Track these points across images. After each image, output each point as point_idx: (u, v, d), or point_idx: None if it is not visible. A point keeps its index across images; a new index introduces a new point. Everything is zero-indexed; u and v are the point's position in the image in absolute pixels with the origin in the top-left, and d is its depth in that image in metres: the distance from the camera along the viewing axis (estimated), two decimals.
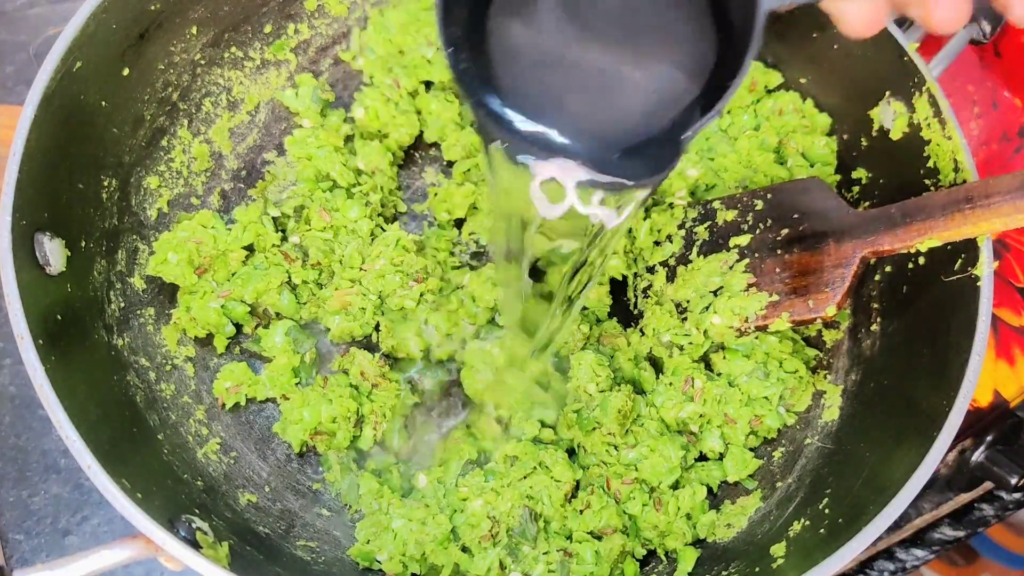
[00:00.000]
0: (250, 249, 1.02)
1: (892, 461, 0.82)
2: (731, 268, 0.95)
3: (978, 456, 1.06)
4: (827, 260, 0.90)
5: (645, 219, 1.05)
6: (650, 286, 1.03)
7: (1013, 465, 1.03)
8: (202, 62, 1.06)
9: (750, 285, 0.94)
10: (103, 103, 0.91)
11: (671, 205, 1.05)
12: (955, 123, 0.90)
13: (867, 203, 1.06)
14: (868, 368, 0.99)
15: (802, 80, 1.11)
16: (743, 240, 0.97)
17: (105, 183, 0.94)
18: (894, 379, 0.94)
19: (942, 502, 1.12)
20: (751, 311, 0.93)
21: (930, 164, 0.94)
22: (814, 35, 1.05)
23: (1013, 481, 1.02)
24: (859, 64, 1.01)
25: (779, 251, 0.93)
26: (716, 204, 1.02)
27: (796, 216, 0.94)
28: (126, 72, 0.94)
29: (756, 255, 0.95)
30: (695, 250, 1.00)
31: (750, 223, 0.97)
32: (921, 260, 0.96)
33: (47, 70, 0.82)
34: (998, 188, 0.79)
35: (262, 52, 1.12)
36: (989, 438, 1.07)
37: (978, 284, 0.84)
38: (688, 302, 0.97)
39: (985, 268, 0.84)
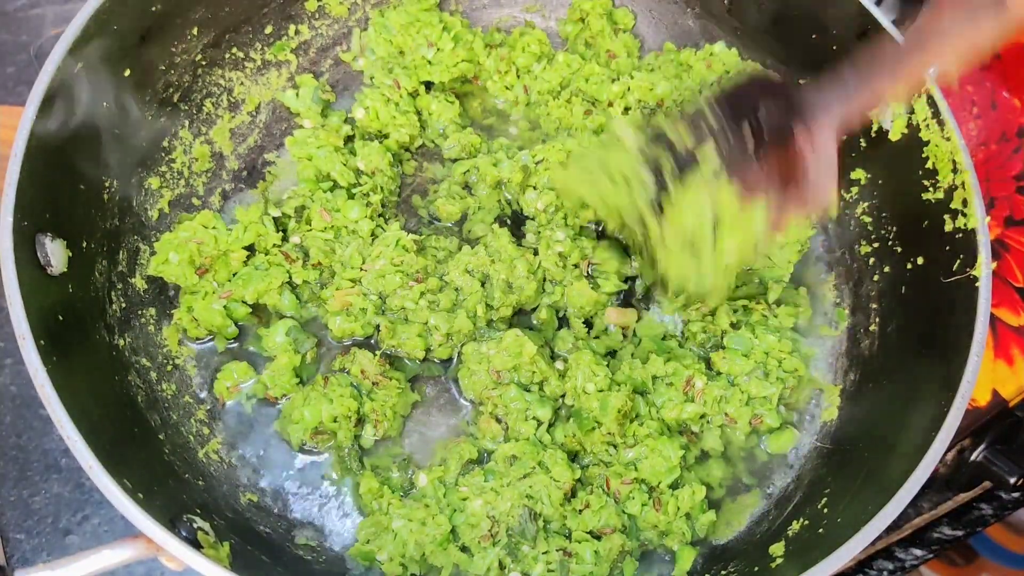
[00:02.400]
0: (251, 249, 1.02)
1: (891, 460, 0.82)
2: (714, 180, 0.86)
3: (977, 455, 1.07)
4: (805, 147, 0.84)
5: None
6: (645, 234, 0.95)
7: (1012, 464, 1.03)
8: (203, 63, 1.06)
9: (741, 197, 0.85)
10: (104, 104, 0.92)
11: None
12: (954, 124, 0.91)
13: (866, 203, 1.06)
14: (867, 368, 1.00)
15: (801, 81, 1.11)
16: (708, 150, 0.87)
17: (106, 184, 0.94)
18: (893, 379, 0.94)
19: (941, 501, 1.12)
20: (759, 223, 0.86)
21: (929, 165, 0.94)
22: (814, 36, 1.05)
23: (1012, 480, 1.03)
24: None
25: (751, 152, 0.85)
26: (663, 123, 0.91)
27: (749, 109, 0.87)
28: (127, 73, 0.94)
29: (731, 164, 0.86)
30: (668, 177, 0.89)
31: (706, 133, 0.88)
32: (920, 260, 0.96)
33: (48, 71, 0.82)
34: (938, 26, 0.78)
35: (263, 53, 1.13)
36: (988, 438, 1.07)
37: (977, 284, 0.84)
38: (693, 241, 0.89)
39: (984, 269, 0.85)
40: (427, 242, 1.05)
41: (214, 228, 0.99)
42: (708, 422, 0.97)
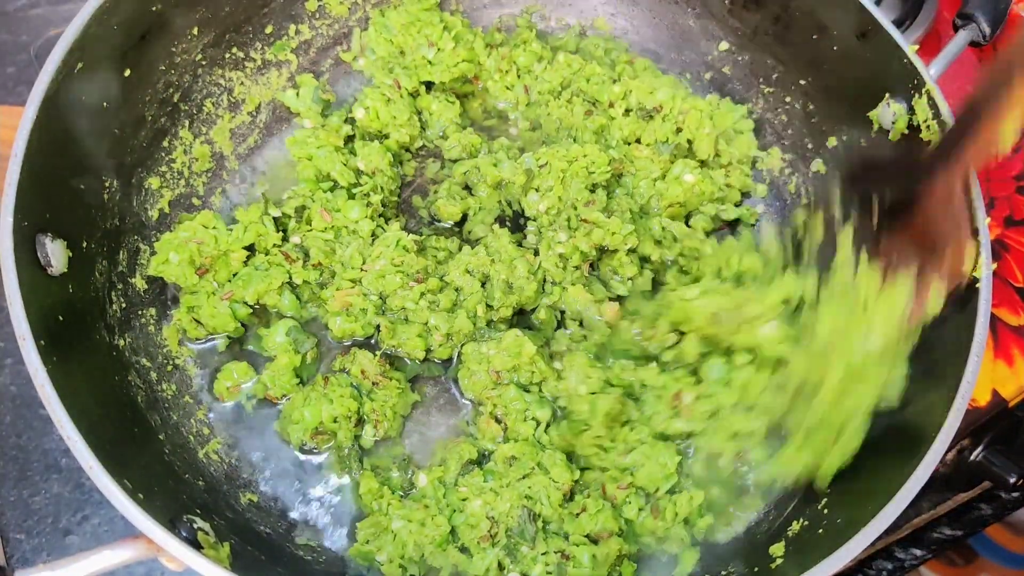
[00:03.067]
0: (251, 249, 1.02)
1: (891, 461, 0.82)
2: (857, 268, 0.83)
3: (977, 455, 1.07)
4: (936, 212, 0.79)
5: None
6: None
7: (1011, 464, 1.04)
8: (203, 63, 1.06)
9: (884, 273, 0.82)
10: (104, 104, 0.92)
11: None
12: None
13: None
14: None
15: (802, 82, 1.11)
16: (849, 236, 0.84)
17: (106, 184, 0.94)
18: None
19: (941, 501, 1.12)
20: (901, 300, 0.81)
21: None
22: (814, 36, 1.05)
23: (1012, 480, 1.03)
24: (859, 66, 1.01)
25: (889, 230, 0.82)
26: (798, 225, 0.90)
27: (879, 192, 0.83)
28: (127, 73, 0.94)
29: (869, 247, 0.83)
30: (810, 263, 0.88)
31: (840, 218, 0.85)
32: None
33: (48, 71, 0.82)
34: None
35: (263, 53, 1.13)
36: (988, 438, 1.07)
37: (977, 285, 0.84)
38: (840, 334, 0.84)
39: (984, 269, 0.84)
40: (427, 242, 1.05)
41: (214, 228, 0.99)
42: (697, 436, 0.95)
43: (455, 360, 1.02)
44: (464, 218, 1.10)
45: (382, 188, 1.07)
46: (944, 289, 0.81)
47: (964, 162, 0.78)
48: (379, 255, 1.00)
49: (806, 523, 0.88)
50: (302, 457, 0.96)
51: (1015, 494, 1.13)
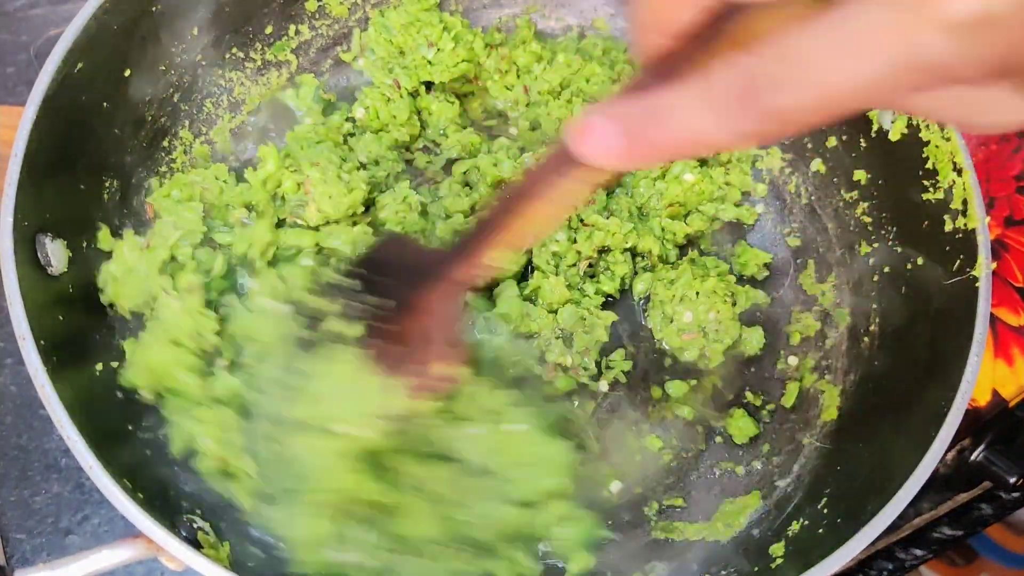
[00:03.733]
0: (249, 209, 1.03)
1: (891, 461, 0.82)
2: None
3: (977, 455, 1.07)
4: (427, 313, 0.73)
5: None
6: None
7: (1012, 464, 1.03)
8: (203, 63, 1.06)
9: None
10: (104, 104, 0.92)
11: None
12: None
13: (866, 203, 1.06)
14: (867, 368, 1.00)
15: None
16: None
17: (107, 184, 0.94)
18: (892, 379, 0.94)
19: (941, 501, 1.12)
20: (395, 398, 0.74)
21: (928, 165, 0.94)
22: None
23: (1012, 480, 1.03)
24: None
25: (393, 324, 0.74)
26: (303, 297, 0.79)
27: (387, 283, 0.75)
28: (127, 73, 0.94)
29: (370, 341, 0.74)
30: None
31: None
32: (920, 260, 0.96)
33: (48, 71, 0.82)
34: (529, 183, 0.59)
35: (263, 53, 1.13)
36: (988, 438, 1.07)
37: (977, 284, 0.84)
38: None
39: (984, 269, 0.85)
40: (430, 208, 1.06)
41: (224, 182, 1.02)
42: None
43: None
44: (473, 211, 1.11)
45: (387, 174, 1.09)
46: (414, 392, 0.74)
47: (449, 279, 0.70)
48: (384, 205, 1.02)
49: (806, 523, 0.88)
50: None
51: (1015, 494, 1.13)
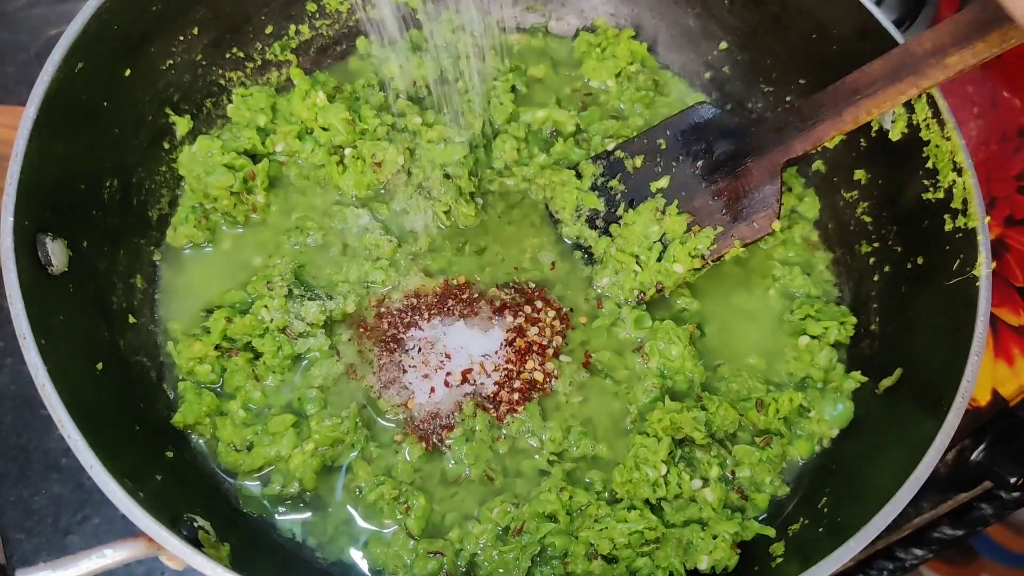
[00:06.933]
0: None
1: (891, 460, 0.82)
2: (664, 213, 0.99)
3: (977, 455, 1.07)
4: (753, 179, 0.95)
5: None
6: (590, 256, 1.05)
7: (1012, 464, 1.04)
8: (203, 62, 1.06)
9: (690, 225, 0.98)
10: (105, 103, 0.92)
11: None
12: (954, 123, 0.91)
13: (866, 203, 1.06)
14: (867, 368, 1.00)
15: (801, 81, 1.11)
16: (663, 183, 1.00)
17: (107, 184, 0.94)
18: (893, 379, 0.94)
19: (941, 501, 1.12)
20: (704, 248, 0.97)
21: (929, 165, 0.94)
22: (814, 36, 1.05)
23: (1012, 480, 1.03)
24: (859, 66, 1.01)
25: (704, 184, 0.98)
26: (618, 153, 1.05)
27: (704, 145, 0.98)
28: (127, 73, 0.94)
29: (683, 194, 0.99)
30: (620, 206, 1.03)
31: (662, 165, 1.01)
32: (920, 260, 0.96)
33: (49, 71, 0.82)
34: (873, 74, 0.87)
35: (263, 53, 1.13)
36: (988, 438, 1.07)
37: (977, 284, 0.84)
38: (638, 257, 0.99)
39: (984, 268, 0.85)
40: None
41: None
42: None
43: None
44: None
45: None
46: (738, 250, 0.96)
47: (789, 153, 0.92)
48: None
49: (806, 522, 0.88)
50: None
51: (1015, 494, 1.13)
